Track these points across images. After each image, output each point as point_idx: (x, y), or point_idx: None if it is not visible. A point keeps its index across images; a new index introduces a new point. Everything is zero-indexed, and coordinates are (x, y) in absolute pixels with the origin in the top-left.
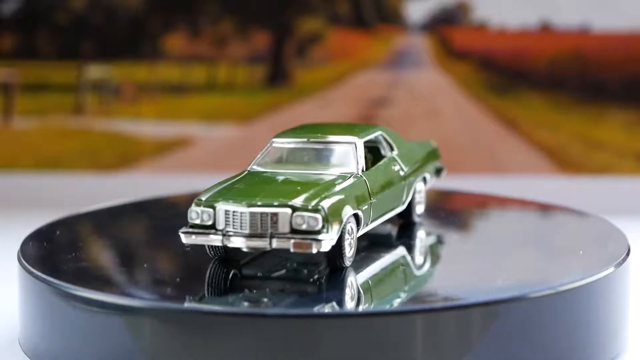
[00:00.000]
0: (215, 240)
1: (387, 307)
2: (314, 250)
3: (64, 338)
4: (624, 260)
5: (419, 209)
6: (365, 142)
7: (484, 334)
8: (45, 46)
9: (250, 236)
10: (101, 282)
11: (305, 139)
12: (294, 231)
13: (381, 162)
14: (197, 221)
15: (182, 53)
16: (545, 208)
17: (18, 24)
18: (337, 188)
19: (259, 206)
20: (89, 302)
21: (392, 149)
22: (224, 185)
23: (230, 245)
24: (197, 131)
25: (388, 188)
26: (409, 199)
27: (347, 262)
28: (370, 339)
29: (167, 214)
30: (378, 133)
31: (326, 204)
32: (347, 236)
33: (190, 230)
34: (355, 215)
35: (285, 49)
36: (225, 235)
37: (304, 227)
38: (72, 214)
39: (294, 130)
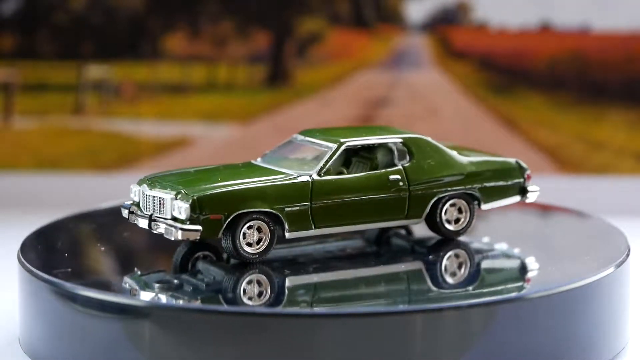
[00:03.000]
0: (125, 215)
1: (387, 308)
2: (173, 238)
3: (64, 338)
4: (624, 260)
5: (452, 226)
6: (365, 147)
7: (483, 334)
8: (45, 46)
9: (144, 217)
10: (101, 282)
11: (302, 137)
12: (175, 218)
13: (372, 171)
14: (132, 197)
15: (182, 53)
16: (545, 208)
17: (18, 24)
18: (246, 182)
19: (157, 190)
20: (89, 302)
21: (411, 159)
22: (185, 169)
23: (135, 222)
24: (197, 131)
25: (361, 196)
26: (422, 213)
27: (245, 258)
28: (370, 339)
29: None
30: (395, 140)
31: (203, 195)
32: (246, 231)
33: (127, 205)
34: (271, 214)
35: (285, 49)
36: (132, 213)
37: (175, 214)
38: (72, 214)
39: (317, 129)
